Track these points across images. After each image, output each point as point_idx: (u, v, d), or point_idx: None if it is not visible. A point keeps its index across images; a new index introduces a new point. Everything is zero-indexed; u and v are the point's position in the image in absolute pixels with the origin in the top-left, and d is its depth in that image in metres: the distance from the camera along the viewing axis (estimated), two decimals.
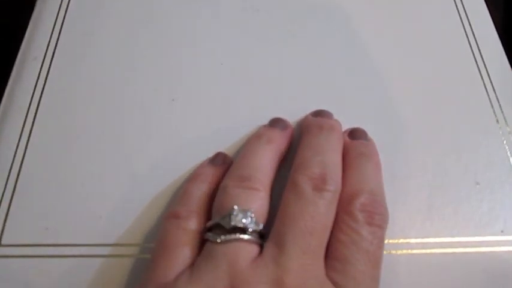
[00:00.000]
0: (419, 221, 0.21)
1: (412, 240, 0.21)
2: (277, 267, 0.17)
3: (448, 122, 0.24)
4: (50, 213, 0.21)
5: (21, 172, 0.22)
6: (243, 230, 0.18)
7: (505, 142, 0.24)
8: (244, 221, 0.18)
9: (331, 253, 0.18)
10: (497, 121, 0.24)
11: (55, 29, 0.27)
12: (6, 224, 0.21)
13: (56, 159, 0.23)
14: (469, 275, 0.20)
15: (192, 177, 0.21)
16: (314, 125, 0.22)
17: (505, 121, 0.24)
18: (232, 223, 0.18)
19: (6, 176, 0.22)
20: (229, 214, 0.18)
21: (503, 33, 0.34)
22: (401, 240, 0.21)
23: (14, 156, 0.23)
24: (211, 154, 0.22)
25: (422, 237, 0.21)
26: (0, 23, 0.38)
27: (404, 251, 0.21)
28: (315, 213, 0.18)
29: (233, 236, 0.17)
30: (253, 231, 0.18)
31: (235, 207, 0.18)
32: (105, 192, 0.22)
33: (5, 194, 0.22)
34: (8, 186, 0.22)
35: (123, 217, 0.21)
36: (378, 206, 0.19)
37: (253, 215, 0.18)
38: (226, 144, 0.23)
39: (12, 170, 0.22)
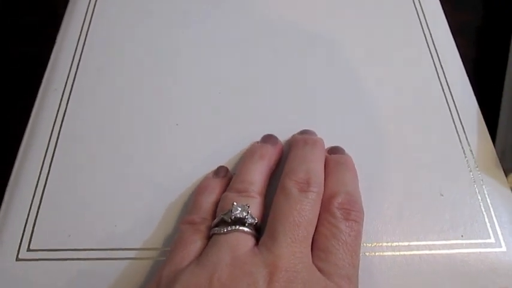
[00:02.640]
0: (390, 227, 0.24)
1: (384, 244, 0.24)
2: (270, 253, 0.20)
3: (418, 142, 0.28)
4: (72, 222, 0.24)
5: (46, 187, 0.25)
6: (243, 223, 0.21)
7: (466, 159, 0.27)
8: (243, 213, 0.21)
9: (315, 245, 0.21)
10: (460, 141, 0.28)
11: (73, 63, 0.31)
12: (34, 231, 0.24)
13: (77, 176, 0.26)
14: (433, 274, 0.23)
15: (201, 189, 0.24)
16: (300, 140, 0.26)
17: (467, 141, 0.28)
18: (233, 215, 0.21)
19: (33, 191, 0.25)
20: (230, 209, 0.21)
21: (472, 63, 0.37)
22: (374, 244, 0.24)
23: (40, 174, 0.26)
24: (211, 170, 0.26)
25: (393, 241, 0.24)
26: (26, 55, 0.41)
27: (377, 253, 0.24)
28: (301, 210, 0.21)
29: (234, 227, 0.21)
30: (251, 224, 0.21)
31: (235, 203, 0.22)
32: (119, 205, 0.25)
33: (32, 206, 0.25)
34: (34, 200, 0.25)
35: (134, 226, 0.24)
36: (354, 204, 0.22)
37: (250, 211, 0.22)
38: (224, 161, 0.26)
39: (38, 186, 0.25)
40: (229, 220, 0.21)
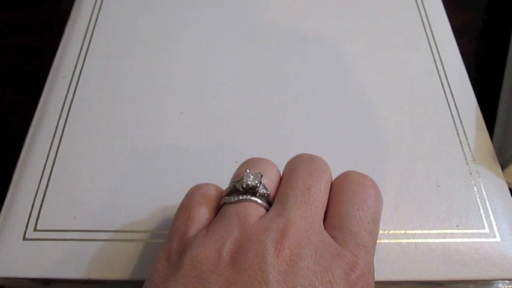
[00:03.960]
0: (387, 216, 0.25)
1: (381, 231, 0.24)
2: (280, 217, 0.19)
3: (416, 134, 0.28)
4: (78, 204, 0.25)
5: (54, 170, 0.26)
6: (254, 193, 0.20)
7: (463, 152, 0.27)
8: (255, 181, 0.20)
9: (329, 212, 0.20)
10: (458, 134, 0.28)
11: (82, 51, 0.31)
12: (41, 212, 0.25)
13: (83, 160, 0.27)
14: (428, 262, 0.24)
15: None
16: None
17: (465, 134, 0.28)
18: (244, 183, 0.20)
19: (41, 173, 0.26)
20: (242, 177, 0.20)
21: (472, 61, 0.38)
22: None
23: (47, 157, 0.27)
24: (214, 158, 0.27)
25: (389, 229, 0.25)
26: (35, 45, 0.42)
27: None
28: (311, 171, 0.20)
29: (245, 197, 0.20)
30: (262, 195, 0.20)
31: (248, 170, 0.20)
32: (124, 188, 0.26)
33: (39, 187, 0.25)
34: (42, 180, 0.26)
35: (137, 209, 0.25)
36: (370, 178, 0.21)
37: (263, 180, 0.20)
38: (227, 150, 0.27)
39: (46, 169, 0.26)
40: (241, 188, 0.20)
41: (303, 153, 0.22)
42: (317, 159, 0.22)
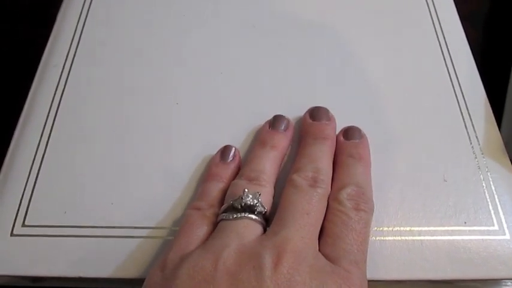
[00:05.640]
0: (392, 212, 0.24)
1: (385, 228, 0.24)
2: (278, 236, 0.20)
3: (423, 126, 0.27)
4: (69, 199, 0.24)
5: (43, 163, 0.25)
6: (252, 211, 0.21)
7: (471, 146, 0.26)
8: (254, 201, 0.21)
9: (324, 232, 0.21)
10: (466, 126, 0.27)
11: (74, 40, 0.30)
12: (30, 206, 0.24)
13: (74, 153, 0.26)
14: (435, 260, 0.23)
15: (209, 177, 0.24)
16: (310, 135, 0.25)
17: (473, 126, 0.27)
18: (243, 202, 0.21)
19: (30, 165, 0.25)
20: (240, 196, 0.21)
21: (479, 52, 0.37)
22: (375, 228, 0.23)
23: (37, 149, 0.26)
24: (210, 150, 0.25)
25: (394, 226, 0.24)
26: (25, 35, 0.41)
27: (378, 238, 0.23)
28: (310, 200, 0.21)
29: (243, 214, 0.21)
30: (260, 212, 0.21)
31: (246, 190, 0.22)
32: (116, 182, 0.25)
33: (29, 180, 0.24)
34: (31, 173, 0.25)
35: (130, 204, 0.24)
36: (363, 196, 0.22)
37: (260, 198, 0.21)
38: (225, 141, 0.26)
39: (35, 161, 0.25)
40: (239, 207, 0.21)
41: (306, 168, 0.23)
42: (322, 160, 0.23)
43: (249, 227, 0.21)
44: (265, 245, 0.19)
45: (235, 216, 0.21)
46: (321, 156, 0.24)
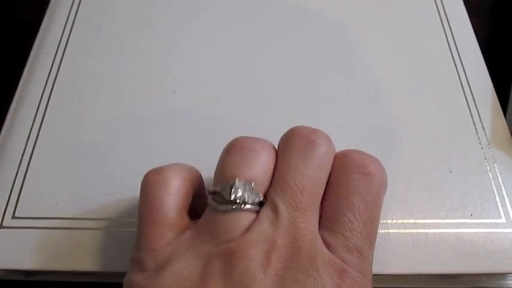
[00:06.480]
0: (396, 204, 0.23)
1: (389, 221, 0.23)
2: (270, 227, 0.17)
3: (428, 117, 0.26)
4: (60, 190, 0.23)
5: (34, 153, 0.24)
6: (244, 202, 0.18)
7: (478, 136, 0.26)
8: (245, 195, 0.18)
9: (322, 212, 0.19)
10: (472, 116, 0.26)
11: (66, 26, 0.29)
12: (20, 198, 0.23)
13: (66, 142, 0.25)
14: (440, 253, 0.22)
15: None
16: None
17: (479, 117, 0.26)
18: (233, 196, 0.18)
19: (20, 156, 0.24)
20: (230, 186, 0.18)
21: (485, 43, 0.36)
22: None
23: (28, 138, 0.25)
24: (207, 140, 0.25)
25: (398, 219, 0.23)
26: (17, 21, 0.40)
27: (382, 231, 0.22)
28: (305, 169, 0.18)
29: (234, 207, 0.18)
30: (253, 202, 0.18)
31: (237, 180, 0.18)
32: (110, 173, 0.24)
33: (19, 171, 0.24)
34: (22, 164, 0.24)
35: (124, 195, 0.23)
36: (371, 157, 0.19)
37: (254, 186, 0.18)
38: (222, 131, 0.25)
39: (26, 152, 0.24)
40: (230, 198, 0.18)
41: (300, 129, 0.20)
42: (316, 143, 0.19)
43: (240, 219, 0.18)
44: (254, 242, 0.17)
45: (224, 208, 0.18)
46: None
